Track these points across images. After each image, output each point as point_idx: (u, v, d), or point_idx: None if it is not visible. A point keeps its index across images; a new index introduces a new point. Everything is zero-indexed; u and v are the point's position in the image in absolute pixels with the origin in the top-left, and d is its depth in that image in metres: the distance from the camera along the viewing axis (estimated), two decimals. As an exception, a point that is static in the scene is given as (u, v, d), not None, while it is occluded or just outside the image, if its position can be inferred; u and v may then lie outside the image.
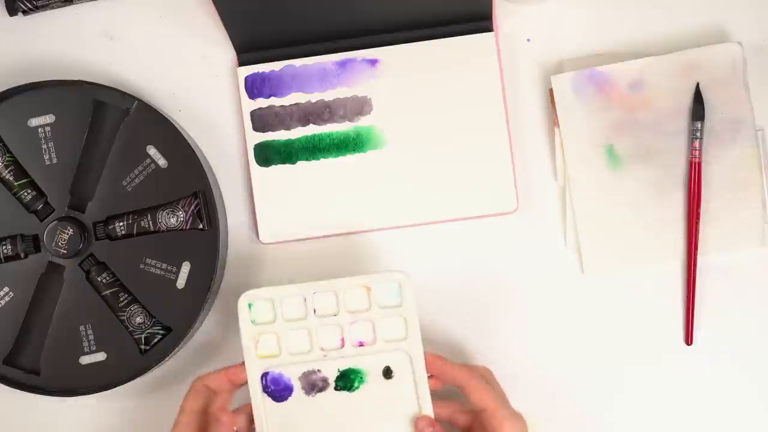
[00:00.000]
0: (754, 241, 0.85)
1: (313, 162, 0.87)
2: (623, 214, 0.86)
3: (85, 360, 0.85)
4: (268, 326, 0.77)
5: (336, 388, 0.77)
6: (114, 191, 0.85)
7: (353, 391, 0.77)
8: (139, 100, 0.85)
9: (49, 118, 0.85)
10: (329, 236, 0.87)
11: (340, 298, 0.77)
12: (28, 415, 0.81)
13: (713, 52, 0.85)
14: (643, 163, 0.86)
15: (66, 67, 0.89)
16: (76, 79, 0.86)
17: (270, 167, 0.87)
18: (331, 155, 0.87)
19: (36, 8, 0.88)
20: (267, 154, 0.87)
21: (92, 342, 0.85)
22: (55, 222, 0.84)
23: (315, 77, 0.87)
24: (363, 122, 0.87)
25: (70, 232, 0.84)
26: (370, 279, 0.77)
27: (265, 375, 0.77)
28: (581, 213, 0.86)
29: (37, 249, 0.85)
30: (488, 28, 0.87)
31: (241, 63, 0.88)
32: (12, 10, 0.88)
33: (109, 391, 0.84)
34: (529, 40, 0.88)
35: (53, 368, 0.85)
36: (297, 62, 0.87)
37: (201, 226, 0.84)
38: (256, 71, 0.87)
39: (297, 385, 0.77)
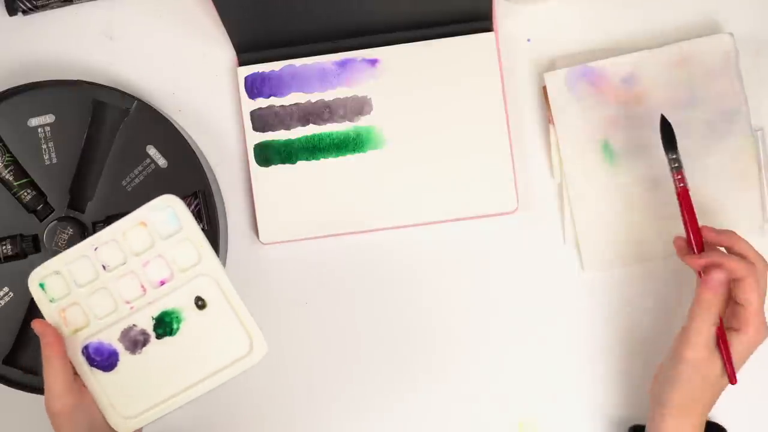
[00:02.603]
0: (753, 230, 0.85)
1: (313, 162, 0.87)
2: (621, 209, 0.86)
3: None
4: (66, 299, 0.75)
5: (158, 337, 0.75)
6: (114, 191, 0.85)
7: (176, 333, 0.75)
8: (139, 100, 0.85)
9: (49, 118, 0.85)
10: (329, 236, 0.87)
11: (121, 244, 0.75)
12: (28, 415, 0.80)
13: (705, 44, 0.85)
14: (638, 157, 0.85)
15: (66, 67, 0.89)
16: (76, 79, 0.86)
17: (270, 167, 0.87)
18: (331, 155, 0.87)
19: (36, 8, 0.88)
20: (267, 154, 0.87)
21: (92, 342, 0.85)
22: (55, 222, 0.84)
23: (315, 77, 0.87)
24: (363, 122, 0.87)
25: (70, 232, 0.84)
26: (141, 213, 0.75)
27: (85, 349, 0.75)
28: (579, 209, 0.86)
29: (37, 249, 0.85)
30: (488, 28, 0.87)
31: (241, 63, 0.88)
32: (12, 10, 0.88)
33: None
34: (529, 40, 0.88)
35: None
36: (297, 62, 0.87)
37: (201, 226, 0.84)
38: (256, 71, 0.87)
39: (120, 348, 0.75)
